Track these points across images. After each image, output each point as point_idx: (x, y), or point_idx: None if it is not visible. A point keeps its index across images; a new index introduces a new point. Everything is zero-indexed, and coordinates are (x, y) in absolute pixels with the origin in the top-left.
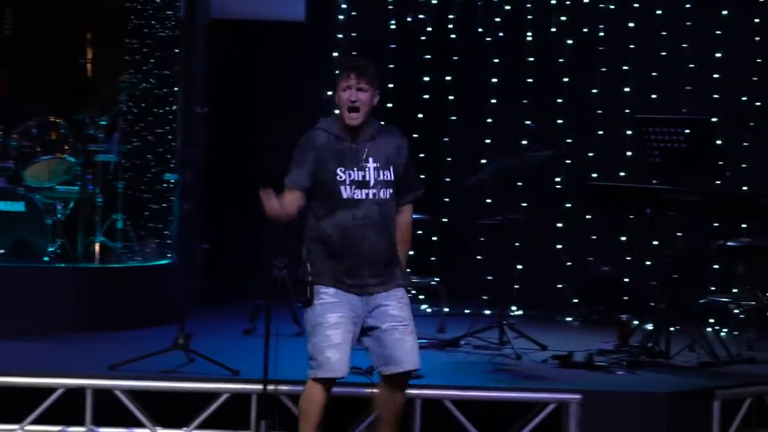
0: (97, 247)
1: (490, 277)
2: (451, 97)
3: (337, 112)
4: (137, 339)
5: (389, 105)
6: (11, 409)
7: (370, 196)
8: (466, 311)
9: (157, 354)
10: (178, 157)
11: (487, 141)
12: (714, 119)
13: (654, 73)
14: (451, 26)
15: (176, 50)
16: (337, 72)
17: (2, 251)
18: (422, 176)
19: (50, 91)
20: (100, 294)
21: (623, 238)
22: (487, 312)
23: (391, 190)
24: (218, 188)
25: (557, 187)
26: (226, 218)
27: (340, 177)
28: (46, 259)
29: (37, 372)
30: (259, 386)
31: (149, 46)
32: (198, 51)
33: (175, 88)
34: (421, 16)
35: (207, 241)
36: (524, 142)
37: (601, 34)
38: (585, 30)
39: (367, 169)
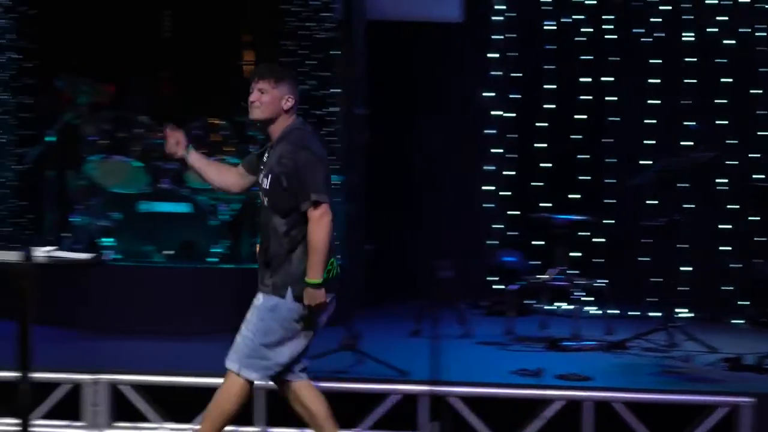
0: None
1: (656, 279)
2: (611, 98)
3: None
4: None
5: (551, 106)
6: (181, 408)
7: (264, 203)
8: (634, 313)
9: (326, 355)
10: (342, 159)
11: (649, 142)
12: None
13: None
14: (609, 26)
15: (333, 52)
16: None
17: (169, 252)
18: (584, 177)
19: (209, 92)
20: None
21: None
22: (655, 314)
23: (268, 199)
24: (381, 189)
25: (721, 188)
26: (390, 219)
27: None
28: (212, 260)
29: (206, 372)
30: (429, 387)
31: (306, 48)
32: (356, 52)
33: (333, 90)
34: (577, 17)
35: (371, 241)
36: (687, 143)
37: (762, 34)
38: (744, 30)
39: (262, 175)
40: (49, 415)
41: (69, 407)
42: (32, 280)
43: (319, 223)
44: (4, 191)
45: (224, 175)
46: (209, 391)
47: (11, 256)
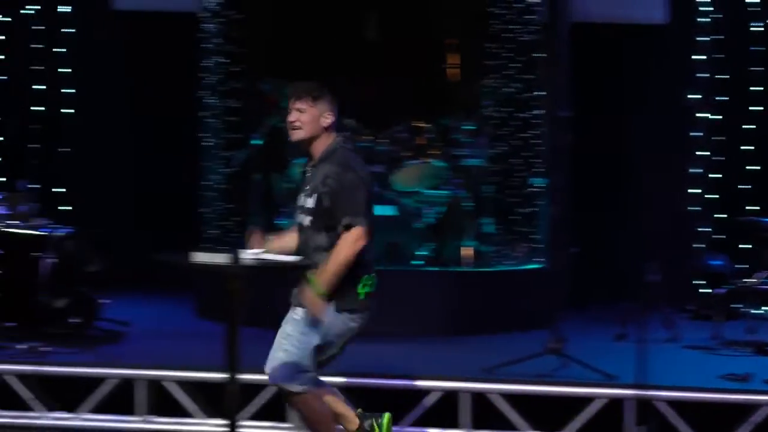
0: (467, 250)
1: None
2: None
3: None
4: (508, 342)
5: (757, 108)
6: (389, 409)
7: (303, 222)
8: None
9: (531, 358)
10: (546, 161)
11: None
12: None
13: None
14: None
15: (537, 54)
16: None
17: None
18: None
19: (415, 95)
20: (471, 297)
21: None
22: None
23: (311, 218)
24: (585, 190)
25: None
26: (595, 221)
27: (299, 201)
28: (416, 262)
29: (412, 375)
30: (635, 391)
31: (510, 51)
32: (561, 54)
33: (537, 92)
34: None
35: (576, 244)
36: None
37: None
38: None
39: (305, 194)
40: (256, 416)
41: (275, 409)
42: (240, 282)
43: (352, 245)
44: (212, 194)
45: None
46: (415, 393)
47: (220, 258)
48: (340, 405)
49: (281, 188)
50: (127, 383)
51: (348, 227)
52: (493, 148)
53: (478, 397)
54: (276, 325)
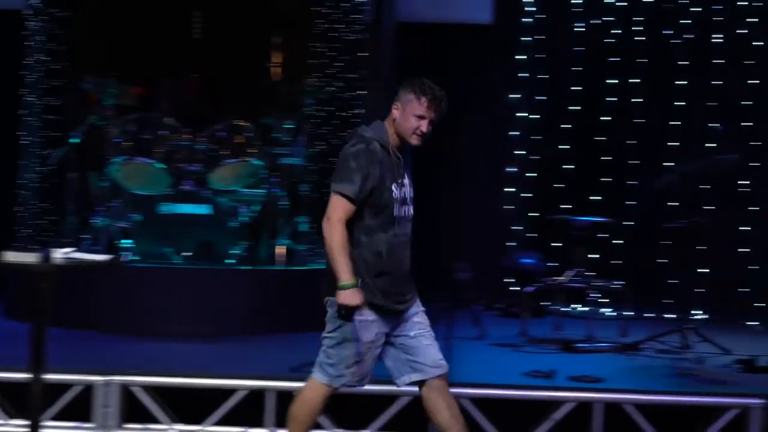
0: (280, 249)
1: (673, 281)
2: (636, 100)
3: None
4: (318, 341)
5: (575, 108)
6: (193, 410)
7: (408, 214)
8: (650, 315)
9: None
10: None
11: (673, 144)
12: None
13: None
14: (638, 28)
15: (363, 53)
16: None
17: (188, 253)
18: (606, 179)
19: (236, 94)
20: (282, 296)
21: None
22: (671, 316)
23: (413, 206)
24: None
25: (743, 190)
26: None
27: (394, 194)
28: (229, 261)
29: (219, 374)
30: None
31: (335, 50)
32: (385, 54)
33: (360, 92)
34: (607, 19)
35: None
36: (711, 145)
37: None
38: None
39: (404, 185)
40: (59, 417)
41: (80, 408)
42: (50, 282)
43: None
44: (26, 193)
45: None
46: (220, 393)
47: (29, 257)
48: None
49: (98, 187)
50: None
51: None
52: (313, 147)
53: (286, 395)
54: (78, 324)
